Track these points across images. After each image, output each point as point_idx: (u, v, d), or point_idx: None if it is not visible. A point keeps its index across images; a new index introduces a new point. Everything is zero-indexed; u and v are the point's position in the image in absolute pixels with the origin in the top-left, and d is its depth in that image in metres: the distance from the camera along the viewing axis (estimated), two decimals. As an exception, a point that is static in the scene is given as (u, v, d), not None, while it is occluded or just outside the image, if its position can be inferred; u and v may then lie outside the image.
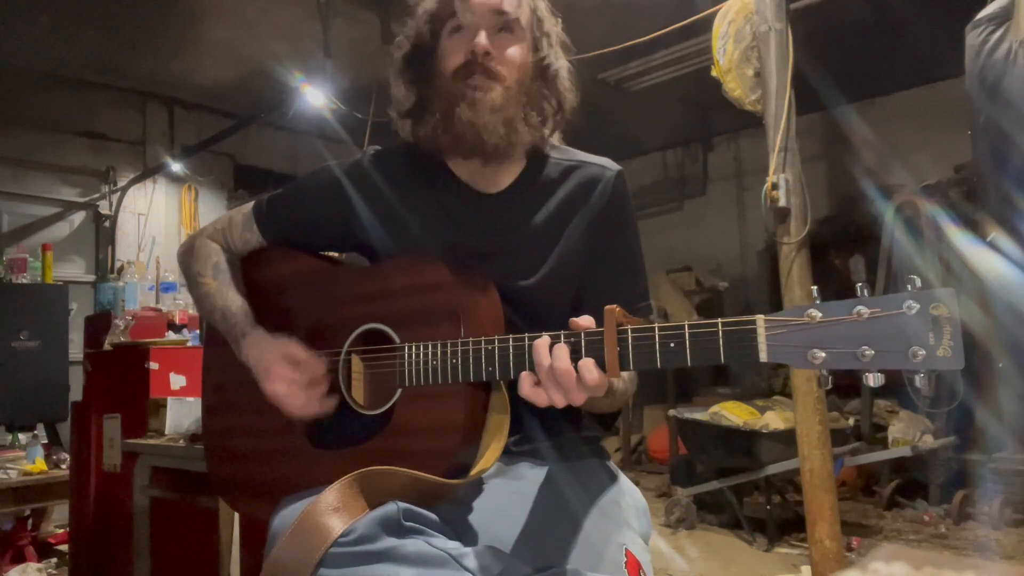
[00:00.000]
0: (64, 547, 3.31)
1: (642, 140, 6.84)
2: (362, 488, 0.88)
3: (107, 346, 2.84)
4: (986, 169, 2.25)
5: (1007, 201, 2.12)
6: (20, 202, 4.98)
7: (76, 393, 3.20)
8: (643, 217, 6.37)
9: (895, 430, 3.84)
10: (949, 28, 2.57)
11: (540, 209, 1.11)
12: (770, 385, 5.26)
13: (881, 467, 4.06)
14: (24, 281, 4.09)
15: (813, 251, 2.66)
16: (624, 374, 0.96)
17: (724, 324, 0.78)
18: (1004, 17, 2.15)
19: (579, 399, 0.85)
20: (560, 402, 0.86)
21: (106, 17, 4.26)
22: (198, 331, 2.94)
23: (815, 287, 0.77)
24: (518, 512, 0.96)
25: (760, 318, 0.77)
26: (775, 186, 2.56)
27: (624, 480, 1.13)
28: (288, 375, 1.03)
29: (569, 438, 1.10)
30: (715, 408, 3.80)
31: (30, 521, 3.35)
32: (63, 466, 3.11)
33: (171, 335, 2.89)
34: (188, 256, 1.24)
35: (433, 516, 0.90)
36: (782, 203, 2.57)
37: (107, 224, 5.32)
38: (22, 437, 3.62)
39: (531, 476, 1.03)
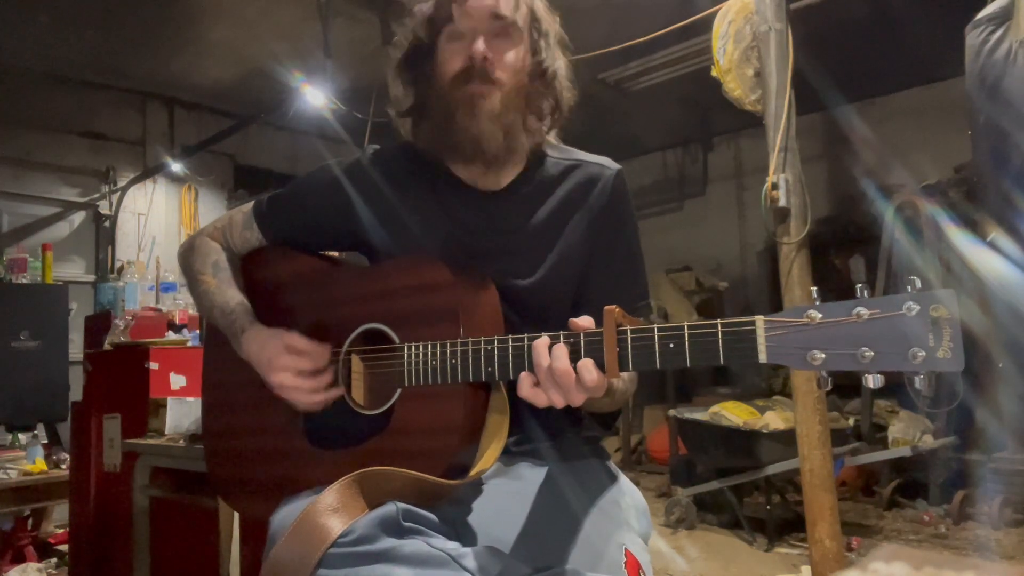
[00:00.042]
0: (64, 547, 3.31)
1: (642, 140, 6.84)
2: (361, 488, 0.88)
3: (107, 346, 2.84)
4: (986, 169, 2.26)
5: (1007, 201, 2.12)
6: (20, 202, 4.98)
7: (76, 393, 3.20)
8: (643, 217, 6.37)
9: (895, 430, 3.84)
10: (949, 28, 2.57)
11: (540, 208, 1.11)
12: (770, 385, 5.26)
13: (881, 467, 4.06)
14: (24, 281, 4.09)
15: (813, 251, 2.66)
16: (624, 374, 0.96)
17: (723, 325, 0.78)
18: (1004, 17, 2.15)
19: (578, 400, 0.85)
20: (559, 403, 0.86)
21: (106, 17, 4.26)
22: (198, 331, 2.94)
23: (815, 288, 0.77)
24: (518, 512, 0.96)
25: (759, 319, 0.77)
26: (775, 186, 2.56)
27: (624, 480, 1.13)
28: (292, 364, 1.02)
29: (569, 438, 1.10)
30: (715, 408, 3.80)
31: (30, 521, 3.35)
32: (63, 466, 3.12)
33: (171, 335, 2.89)
34: (188, 255, 1.24)
35: (432, 516, 0.90)
36: (782, 203, 2.56)
37: (107, 224, 5.32)
38: (22, 437, 3.62)
39: (531, 476, 1.03)
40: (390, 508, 0.86)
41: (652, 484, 4.80)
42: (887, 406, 4.13)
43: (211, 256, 1.21)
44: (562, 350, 0.84)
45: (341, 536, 0.83)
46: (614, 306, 0.84)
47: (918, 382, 0.71)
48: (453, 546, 0.86)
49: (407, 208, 1.12)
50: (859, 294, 0.73)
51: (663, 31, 3.32)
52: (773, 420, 3.56)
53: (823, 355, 0.73)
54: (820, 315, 0.74)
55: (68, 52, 4.65)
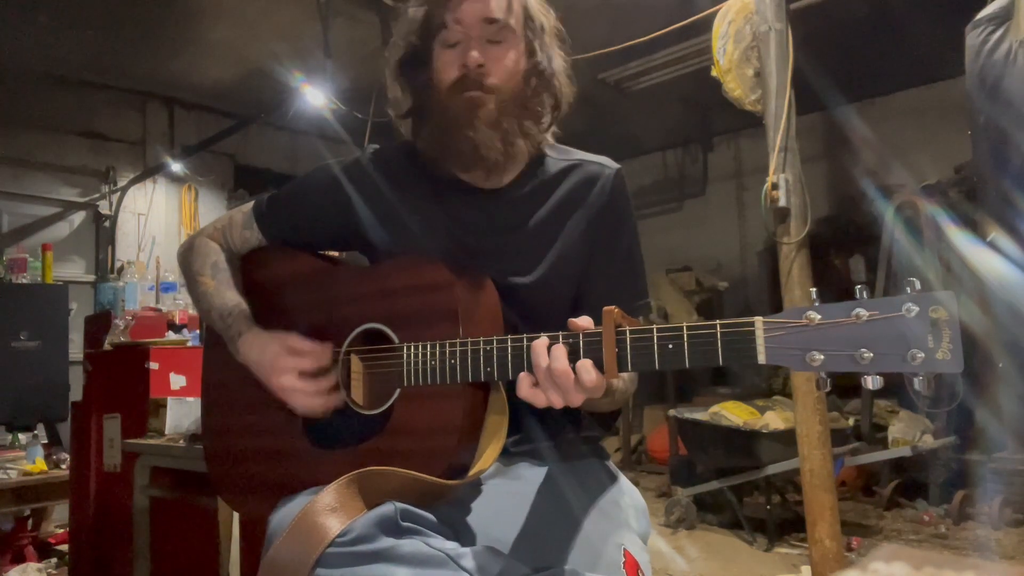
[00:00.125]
0: (64, 547, 3.31)
1: (642, 140, 6.84)
2: (360, 488, 0.88)
3: (107, 346, 2.84)
4: (986, 169, 2.25)
5: (1007, 201, 2.12)
6: (20, 202, 4.98)
7: (76, 393, 3.19)
8: (643, 217, 6.39)
9: (895, 430, 3.84)
10: (949, 28, 2.57)
11: (539, 207, 1.11)
12: (770, 385, 5.25)
13: (881, 467, 4.06)
14: (24, 281, 4.09)
15: (813, 251, 2.66)
16: (624, 375, 0.96)
17: (722, 326, 0.78)
18: (1004, 17, 2.15)
19: (577, 400, 0.85)
20: (558, 403, 0.86)
21: (106, 17, 4.26)
22: (198, 331, 2.94)
23: (814, 289, 0.77)
24: (516, 512, 0.96)
25: (758, 320, 0.77)
26: (775, 186, 2.56)
27: (623, 480, 1.13)
28: (294, 365, 1.02)
29: (568, 438, 1.10)
30: (715, 408, 3.80)
31: (30, 521, 3.36)
32: (63, 466, 3.12)
33: (171, 335, 2.89)
34: (188, 255, 1.24)
35: (431, 516, 0.90)
36: (782, 203, 2.56)
37: (107, 224, 5.32)
38: (22, 437, 3.62)
39: (530, 476, 1.03)
40: (388, 508, 0.86)
41: (652, 484, 4.80)
42: (887, 406, 4.13)
43: (210, 257, 1.21)
44: (561, 350, 0.84)
45: (339, 536, 0.83)
46: (613, 307, 0.83)
47: (917, 383, 0.71)
48: (452, 546, 0.86)
49: (407, 208, 1.12)
50: (858, 295, 0.73)
51: (663, 31, 3.32)
52: (773, 420, 3.56)
53: (822, 356, 0.73)
54: (819, 316, 0.74)
55: (68, 52, 4.66)
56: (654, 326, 0.83)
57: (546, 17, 1.12)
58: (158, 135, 5.54)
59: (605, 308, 0.83)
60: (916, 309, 0.70)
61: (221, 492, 1.24)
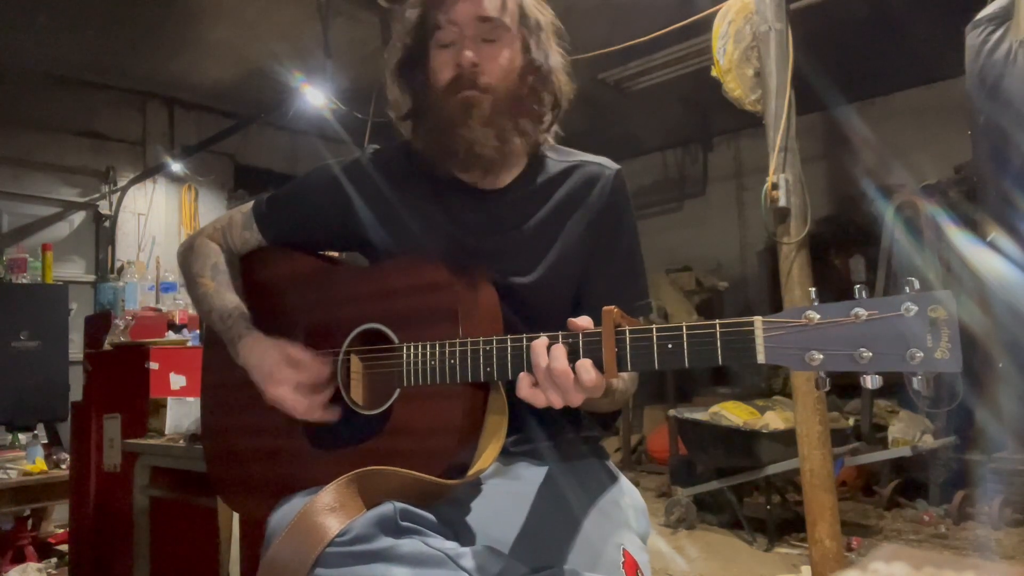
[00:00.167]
0: (64, 547, 3.31)
1: (642, 140, 6.84)
2: (359, 488, 0.88)
3: (107, 346, 2.85)
4: (986, 169, 2.25)
5: (1007, 201, 2.12)
6: (20, 202, 4.98)
7: (76, 393, 3.20)
8: (643, 217, 6.36)
9: (895, 430, 3.84)
10: (949, 28, 2.57)
11: (539, 208, 1.11)
12: (770, 385, 5.25)
13: (881, 467, 4.06)
14: (24, 281, 4.10)
15: (813, 251, 2.65)
16: (624, 375, 0.96)
17: (722, 326, 0.78)
18: (1004, 17, 2.15)
19: (576, 400, 0.85)
20: (558, 403, 0.85)
21: (106, 17, 4.26)
22: (198, 331, 2.94)
23: (813, 288, 0.77)
24: (516, 512, 0.96)
25: (758, 320, 0.77)
26: (775, 186, 2.56)
27: (623, 480, 1.13)
28: (292, 378, 1.02)
29: (568, 438, 1.10)
30: (715, 408, 3.80)
31: (30, 521, 3.36)
32: (63, 466, 3.12)
33: (171, 335, 2.89)
34: (187, 256, 1.24)
35: (430, 516, 0.90)
36: (782, 203, 2.56)
37: (107, 224, 5.32)
38: (22, 437, 3.62)
39: (529, 476, 1.03)
40: (388, 507, 0.86)
41: (652, 484, 4.80)
42: (887, 406, 4.13)
43: (210, 259, 1.21)
44: (560, 350, 0.84)
45: (338, 535, 0.83)
46: (613, 306, 0.83)
47: (916, 383, 0.71)
48: (451, 546, 0.86)
49: (407, 208, 1.12)
50: (857, 295, 0.73)
51: (663, 31, 3.32)
52: (773, 420, 3.56)
53: (821, 356, 0.73)
54: (818, 316, 0.74)
55: (68, 52, 4.66)
56: (653, 326, 0.83)
57: (542, 14, 1.12)
58: (158, 135, 5.54)
59: (605, 308, 0.83)
60: (915, 309, 0.70)
61: (221, 492, 1.24)
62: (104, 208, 5.33)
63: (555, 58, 1.12)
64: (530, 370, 0.87)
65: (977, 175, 2.43)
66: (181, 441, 2.01)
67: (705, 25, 2.92)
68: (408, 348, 0.98)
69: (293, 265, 1.19)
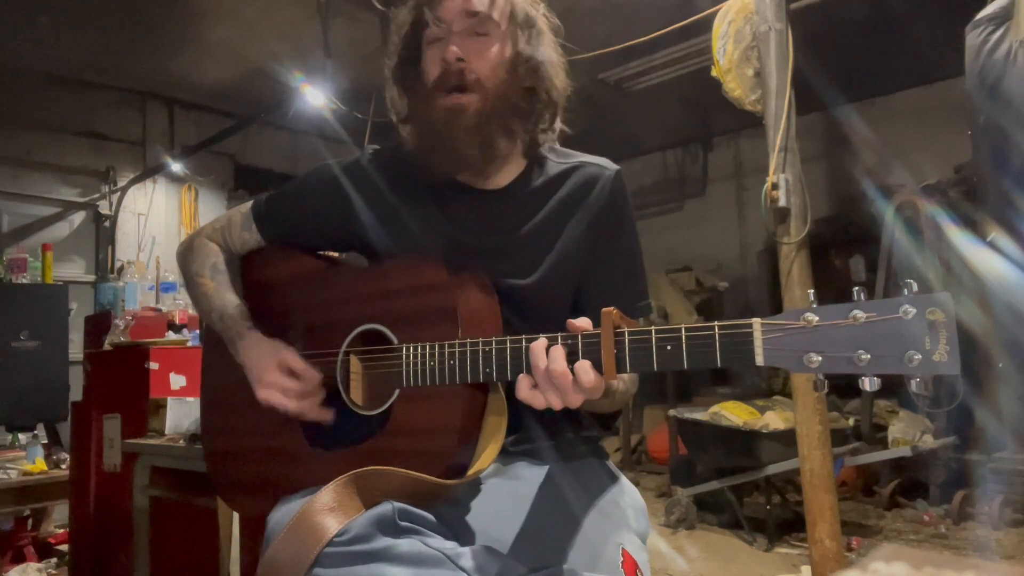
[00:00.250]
0: (64, 547, 3.31)
1: (642, 140, 6.84)
2: (358, 488, 0.88)
3: (107, 346, 2.85)
4: (986, 169, 2.25)
5: (1007, 201, 2.12)
6: (20, 202, 4.98)
7: (76, 393, 3.20)
8: (643, 217, 6.38)
9: (895, 430, 3.84)
10: (949, 28, 2.57)
11: (539, 209, 1.11)
12: (770, 385, 5.26)
13: (881, 467, 4.06)
14: (24, 281, 4.10)
15: (813, 251, 2.65)
16: (624, 375, 0.96)
17: (721, 327, 0.78)
18: (1004, 17, 2.15)
19: (576, 401, 0.85)
20: (557, 404, 0.85)
21: (106, 17, 4.26)
22: (198, 331, 2.94)
23: (812, 291, 0.77)
24: (515, 512, 0.96)
25: (756, 321, 0.77)
26: (775, 186, 2.56)
27: (623, 480, 1.13)
28: (281, 384, 1.03)
29: (568, 438, 1.10)
30: (715, 408, 3.80)
31: (30, 521, 3.36)
32: (63, 466, 3.12)
33: (171, 335, 2.89)
34: (187, 256, 1.24)
35: (429, 516, 0.89)
36: (782, 203, 2.56)
37: (107, 224, 5.32)
38: (22, 437, 3.63)
39: (528, 476, 1.03)
40: (386, 507, 0.86)
41: (652, 484, 4.80)
42: (887, 406, 4.13)
43: (210, 259, 1.21)
44: (559, 352, 0.84)
45: (337, 535, 0.83)
46: (612, 308, 0.83)
47: (915, 384, 0.71)
48: (450, 546, 0.86)
49: (406, 208, 1.12)
50: (855, 297, 0.73)
51: (663, 31, 3.32)
52: (773, 420, 3.56)
53: (820, 358, 0.73)
54: (817, 318, 0.74)
55: (68, 52, 4.66)
56: (652, 327, 0.83)
57: (534, 8, 1.11)
58: (158, 135, 5.54)
59: (604, 309, 0.83)
60: (913, 311, 0.70)
61: (220, 492, 1.24)
62: (104, 208, 5.33)
63: (548, 54, 1.10)
64: (529, 372, 0.87)
65: (977, 175, 2.43)
66: (181, 441, 2.01)
67: (705, 25, 2.92)
68: (407, 349, 0.98)
69: (292, 265, 1.19)
